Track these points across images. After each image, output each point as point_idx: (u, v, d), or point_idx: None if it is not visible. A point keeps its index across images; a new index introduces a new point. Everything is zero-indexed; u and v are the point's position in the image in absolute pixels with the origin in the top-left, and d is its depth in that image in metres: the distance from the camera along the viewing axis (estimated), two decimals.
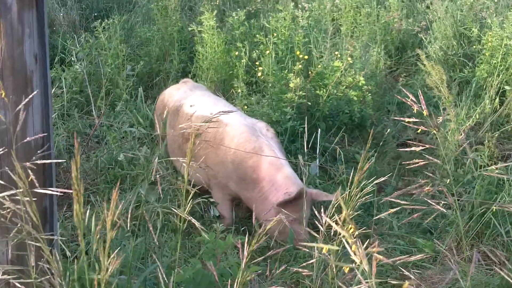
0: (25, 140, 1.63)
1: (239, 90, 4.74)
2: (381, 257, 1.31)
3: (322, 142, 4.00)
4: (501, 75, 4.83)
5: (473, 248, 3.10)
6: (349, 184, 1.99)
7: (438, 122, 2.17)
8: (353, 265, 1.34)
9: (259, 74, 4.80)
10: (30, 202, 1.50)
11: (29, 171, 1.55)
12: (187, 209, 1.91)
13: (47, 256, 1.52)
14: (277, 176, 3.19)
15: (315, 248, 2.01)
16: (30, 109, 1.66)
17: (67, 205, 3.37)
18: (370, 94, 4.46)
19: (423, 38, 5.84)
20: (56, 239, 1.73)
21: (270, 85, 4.56)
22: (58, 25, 6.11)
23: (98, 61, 4.92)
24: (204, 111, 3.45)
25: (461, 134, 3.82)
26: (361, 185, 2.00)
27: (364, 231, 2.00)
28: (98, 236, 1.48)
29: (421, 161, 2.04)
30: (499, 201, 3.19)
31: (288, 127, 4.01)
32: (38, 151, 1.67)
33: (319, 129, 3.97)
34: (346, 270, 1.43)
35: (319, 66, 4.56)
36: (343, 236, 1.34)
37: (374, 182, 2.05)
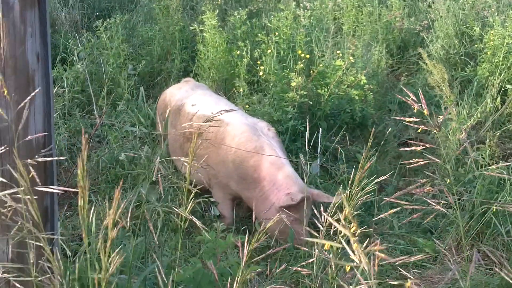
0: (27, 139, 1.64)
1: (241, 89, 4.74)
2: (383, 255, 1.31)
3: (323, 141, 4.00)
4: (503, 74, 4.82)
5: (473, 248, 3.10)
6: (350, 183, 1.99)
7: (439, 121, 2.17)
8: (354, 263, 1.34)
9: (261, 73, 4.80)
10: (31, 200, 1.51)
11: (30, 168, 1.55)
12: (188, 208, 1.92)
13: (47, 254, 1.53)
14: (278, 176, 3.19)
15: (316, 246, 2.02)
16: (32, 108, 1.66)
17: (67, 205, 3.38)
18: (371, 93, 4.46)
19: (425, 37, 5.84)
20: (57, 238, 1.73)
21: (271, 84, 4.56)
22: (60, 25, 6.12)
23: (100, 60, 4.93)
24: (206, 111, 3.45)
25: (462, 133, 3.82)
26: (362, 184, 2.00)
27: (364, 230, 2.00)
28: (99, 235, 1.48)
29: (422, 161, 2.04)
30: (499, 201, 3.19)
31: (289, 126, 4.01)
32: (40, 150, 1.68)
33: (320, 128, 3.97)
34: (347, 269, 1.43)
35: (321, 65, 4.57)
36: (343, 236, 1.34)
37: (375, 181, 2.05)
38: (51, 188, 1.61)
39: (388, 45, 5.82)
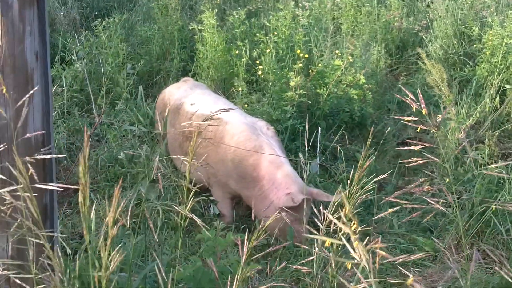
0: (26, 136, 1.64)
1: (240, 89, 4.74)
2: (384, 253, 1.31)
3: (323, 141, 4.00)
4: (501, 74, 4.83)
5: (473, 247, 3.10)
6: (349, 182, 1.99)
7: (438, 121, 2.17)
8: (355, 261, 1.34)
9: (260, 72, 4.80)
10: (30, 197, 1.51)
11: (29, 165, 1.55)
12: (188, 206, 1.91)
13: (47, 252, 1.52)
14: (277, 175, 3.19)
15: (316, 243, 2.02)
16: (31, 106, 1.66)
17: (67, 203, 3.38)
18: (370, 92, 4.47)
19: (424, 36, 5.84)
20: (57, 236, 1.73)
21: (270, 83, 4.56)
22: (59, 24, 6.12)
23: (99, 59, 4.92)
24: (205, 110, 3.45)
25: (461, 133, 3.82)
26: (361, 183, 2.01)
27: (364, 229, 2.00)
28: (100, 233, 1.48)
29: (421, 160, 2.04)
30: (499, 200, 3.19)
31: (288, 125, 4.01)
32: (39, 149, 1.67)
33: (320, 128, 3.97)
34: (349, 267, 1.43)
35: (320, 64, 4.57)
36: (343, 234, 1.34)
37: (374, 180, 2.05)
38: (50, 185, 1.61)
39: (387, 45, 5.82)
